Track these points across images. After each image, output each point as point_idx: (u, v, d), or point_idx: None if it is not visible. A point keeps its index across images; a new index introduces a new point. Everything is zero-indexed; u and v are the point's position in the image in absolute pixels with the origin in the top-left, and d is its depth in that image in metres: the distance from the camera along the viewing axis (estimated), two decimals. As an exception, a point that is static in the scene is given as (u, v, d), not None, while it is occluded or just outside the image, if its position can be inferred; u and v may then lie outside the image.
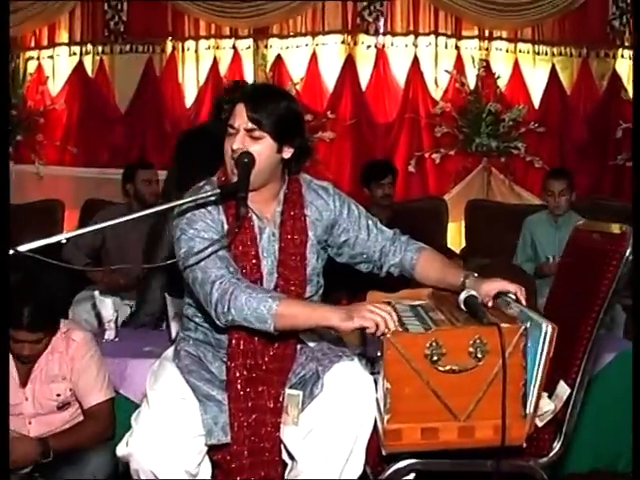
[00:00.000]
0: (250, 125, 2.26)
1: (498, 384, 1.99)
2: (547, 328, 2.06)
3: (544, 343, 2.07)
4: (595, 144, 6.55)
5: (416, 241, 2.60)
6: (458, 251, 5.81)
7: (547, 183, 5.14)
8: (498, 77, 6.29)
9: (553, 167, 6.22)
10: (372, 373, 2.25)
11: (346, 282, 2.67)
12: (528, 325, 2.06)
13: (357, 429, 2.17)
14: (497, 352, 1.98)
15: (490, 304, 2.32)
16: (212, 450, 2.28)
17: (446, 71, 6.26)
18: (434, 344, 1.98)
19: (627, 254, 2.23)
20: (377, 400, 2.17)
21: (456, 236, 6.26)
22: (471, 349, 1.99)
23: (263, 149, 2.28)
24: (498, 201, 6.25)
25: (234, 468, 2.27)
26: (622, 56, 6.63)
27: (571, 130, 6.49)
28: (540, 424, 2.18)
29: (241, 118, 2.28)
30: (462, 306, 2.27)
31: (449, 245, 5.97)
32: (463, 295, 2.28)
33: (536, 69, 6.49)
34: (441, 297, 2.51)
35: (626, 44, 6.58)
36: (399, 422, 2.01)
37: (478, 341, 1.99)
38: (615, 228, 2.44)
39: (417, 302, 2.53)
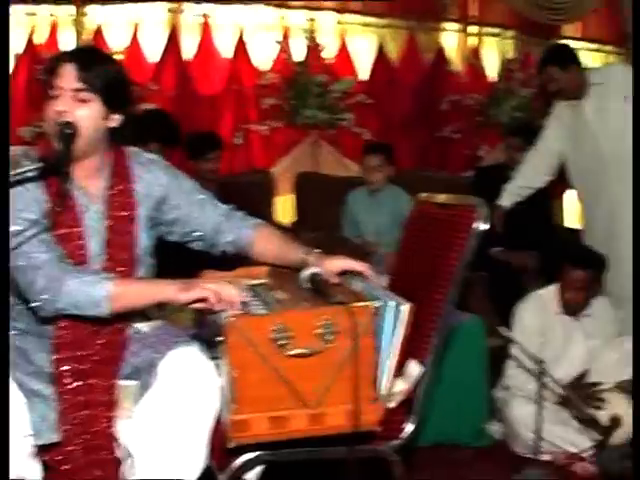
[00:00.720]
0: (78, 85, 2.04)
1: (349, 367, 1.88)
2: (402, 307, 1.97)
3: (398, 322, 1.98)
4: (421, 116, 6.60)
5: (252, 217, 2.44)
6: (288, 225, 5.73)
7: (364, 158, 5.14)
8: (325, 48, 6.17)
9: (380, 139, 6.25)
10: (212, 358, 2.07)
11: (179, 261, 2.47)
12: (379, 304, 1.95)
13: (198, 420, 2.01)
14: (347, 333, 1.87)
15: (336, 280, 2.20)
16: (42, 451, 2.05)
17: (276, 42, 6.07)
18: (281, 327, 1.84)
19: (475, 225, 2.17)
20: (221, 389, 2.00)
21: (286, 210, 6.13)
22: (320, 331, 1.87)
23: (90, 113, 2.06)
24: (327, 174, 6.15)
25: (67, 470, 2.05)
26: (448, 29, 6.73)
27: (398, 102, 6.48)
28: (392, 406, 2.08)
29: (68, 78, 2.05)
30: (305, 284, 2.14)
31: (279, 219, 5.87)
32: (307, 272, 2.15)
33: (364, 41, 6.44)
34: (281, 275, 2.36)
35: (452, 17, 6.66)
36: (246, 412, 1.86)
37: (327, 322, 1.87)
38: (461, 199, 2.37)
39: (256, 281, 2.37)
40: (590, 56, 7.44)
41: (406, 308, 1.97)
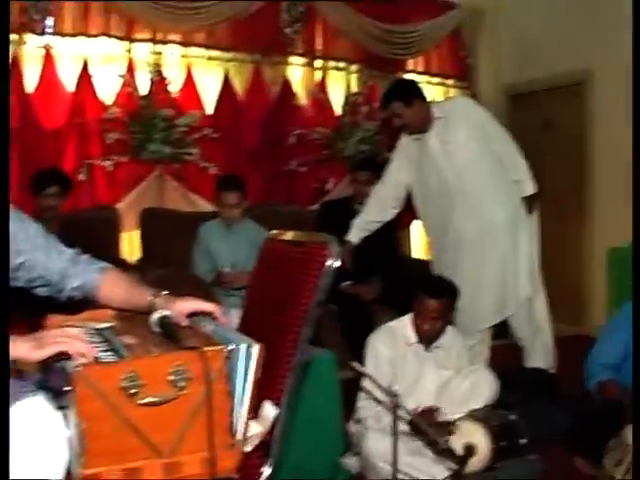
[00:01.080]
0: None
1: (203, 414, 1.81)
2: (253, 349, 1.92)
3: (249, 365, 1.93)
4: (268, 150, 6.59)
5: (98, 260, 2.35)
6: (134, 262, 5.58)
7: (219, 194, 5.08)
8: (171, 82, 6.08)
9: (227, 173, 6.18)
10: (59, 408, 1.95)
11: (22, 307, 2.34)
12: (231, 347, 1.90)
13: (45, 475, 1.88)
14: (200, 379, 1.80)
15: (185, 322, 2.13)
16: None
17: (119, 75, 5.91)
18: (131, 375, 1.75)
19: (328, 264, 2.15)
20: (69, 440, 1.89)
21: (131, 246, 5.98)
22: (171, 377, 1.78)
23: None
24: (172, 209, 6.04)
25: None
26: (294, 63, 6.78)
27: (244, 136, 6.46)
28: (248, 449, 2.02)
29: None
30: (155, 328, 2.05)
31: (124, 256, 5.72)
32: (156, 316, 2.06)
33: (209, 74, 6.39)
34: (128, 318, 2.27)
35: (297, 51, 6.72)
36: (96, 465, 1.75)
37: (179, 369, 1.79)
38: (311, 236, 2.35)
39: (103, 325, 2.24)
40: (434, 90, 7.65)
41: (256, 350, 1.92)
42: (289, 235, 2.47)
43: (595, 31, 6.84)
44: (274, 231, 2.64)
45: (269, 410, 2.09)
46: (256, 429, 2.05)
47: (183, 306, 2.17)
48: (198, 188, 6.22)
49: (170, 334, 1.98)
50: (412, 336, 3.86)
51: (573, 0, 7.13)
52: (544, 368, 4.93)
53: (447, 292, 3.86)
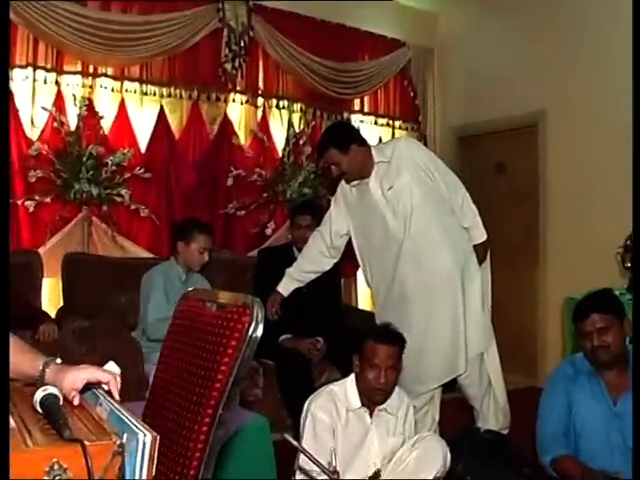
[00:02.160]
0: None
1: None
2: (144, 439, 1.56)
3: (142, 458, 1.55)
4: (204, 192, 6.24)
5: None
6: (55, 311, 5.14)
7: (193, 240, 4.77)
8: (102, 117, 5.68)
9: (160, 216, 5.88)
10: None
11: None
12: (124, 439, 1.52)
13: None
14: (82, 477, 1.42)
15: (76, 402, 1.74)
16: None
17: (43, 108, 5.47)
18: None
19: (250, 332, 1.79)
20: None
21: (53, 294, 5.49)
22: (47, 477, 1.41)
23: None
24: (99, 254, 5.60)
25: None
26: (233, 100, 6.44)
27: (179, 176, 6.11)
28: None
29: None
30: (38, 408, 1.66)
31: (46, 304, 5.28)
32: (39, 394, 1.67)
33: (144, 110, 6.00)
34: (15, 391, 1.87)
35: (238, 88, 6.41)
36: None
37: (56, 466, 1.42)
38: (233, 298, 1.98)
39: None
40: (381, 131, 7.43)
41: (150, 440, 1.55)
42: (207, 294, 2.09)
43: (547, 71, 6.68)
44: (190, 289, 2.26)
45: None
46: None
47: (76, 378, 1.80)
48: (128, 232, 5.82)
49: (53, 418, 1.60)
50: (355, 400, 3.47)
51: (523, 41, 6.95)
52: (496, 430, 4.59)
53: (399, 339, 3.48)
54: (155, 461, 1.56)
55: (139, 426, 1.59)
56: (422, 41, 7.67)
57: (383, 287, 4.59)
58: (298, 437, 3.31)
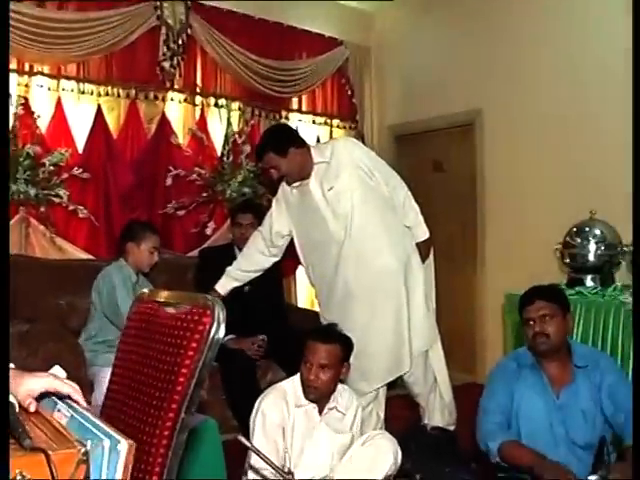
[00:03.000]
0: None
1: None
2: (120, 445, 1.52)
3: (116, 465, 1.52)
4: (143, 192, 6.15)
5: None
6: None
7: (143, 240, 4.73)
8: (38, 117, 5.56)
9: (99, 216, 5.79)
10: None
11: None
12: (89, 446, 1.48)
13: None
14: (45, 488, 1.38)
15: (33, 408, 1.68)
16: None
17: None
18: (-48, 490, 1.32)
19: (212, 333, 1.77)
20: None
21: (-10, 297, 5.39)
22: (10, 489, 1.36)
23: None
24: (38, 256, 5.47)
25: None
26: (172, 99, 6.36)
27: (117, 176, 5.99)
28: None
29: None
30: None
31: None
32: (-5, 403, 1.62)
33: (81, 109, 5.88)
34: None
35: (176, 87, 6.34)
36: None
37: (19, 477, 1.37)
38: (191, 299, 1.95)
39: None
40: (319, 130, 7.43)
41: (125, 448, 1.52)
42: (162, 295, 2.06)
43: (484, 70, 6.76)
44: (145, 290, 2.22)
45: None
46: None
47: (32, 386, 1.73)
48: (66, 233, 5.70)
49: (11, 428, 1.54)
50: (302, 396, 3.47)
51: (459, 40, 7.01)
52: (442, 426, 4.62)
53: (338, 338, 3.50)
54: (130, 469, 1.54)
55: (109, 431, 1.56)
56: (359, 40, 7.69)
57: (326, 286, 4.58)
58: (247, 437, 3.28)
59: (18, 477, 1.38)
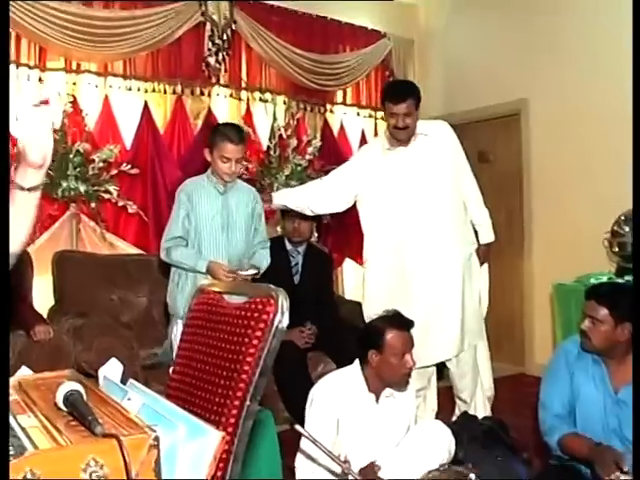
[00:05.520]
0: None
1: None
2: (213, 436, 1.55)
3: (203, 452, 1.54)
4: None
5: None
6: (45, 310, 5.08)
7: None
8: (87, 114, 5.64)
9: (147, 212, 5.85)
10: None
11: None
12: (158, 432, 1.50)
13: None
14: (120, 474, 1.39)
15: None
16: None
17: (33, 105, 5.38)
18: (29, 474, 1.32)
19: (276, 322, 1.79)
20: None
21: (44, 293, 5.43)
22: (84, 475, 1.37)
23: None
24: (89, 252, 5.55)
25: None
26: (218, 94, 6.42)
27: (165, 171, 6.06)
28: None
29: None
30: (61, 405, 1.62)
31: (36, 304, 5.21)
32: (62, 390, 1.62)
33: (128, 106, 5.96)
34: (33, 386, 1.83)
35: (221, 82, 6.38)
36: None
37: (92, 463, 1.38)
38: (254, 288, 1.97)
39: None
40: (363, 122, 7.45)
41: (217, 437, 1.53)
42: (225, 286, 2.08)
43: (529, 59, 6.71)
44: (205, 282, 2.25)
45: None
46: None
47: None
48: (116, 229, 5.79)
49: (80, 415, 1.57)
50: (363, 387, 3.46)
51: (503, 30, 6.96)
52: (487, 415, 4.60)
53: (411, 324, 3.48)
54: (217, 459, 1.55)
55: (199, 423, 1.57)
56: (402, 32, 7.68)
57: (383, 256, 4.49)
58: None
59: (91, 463, 1.40)
